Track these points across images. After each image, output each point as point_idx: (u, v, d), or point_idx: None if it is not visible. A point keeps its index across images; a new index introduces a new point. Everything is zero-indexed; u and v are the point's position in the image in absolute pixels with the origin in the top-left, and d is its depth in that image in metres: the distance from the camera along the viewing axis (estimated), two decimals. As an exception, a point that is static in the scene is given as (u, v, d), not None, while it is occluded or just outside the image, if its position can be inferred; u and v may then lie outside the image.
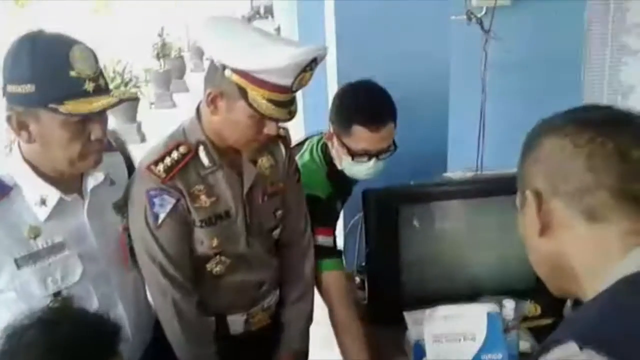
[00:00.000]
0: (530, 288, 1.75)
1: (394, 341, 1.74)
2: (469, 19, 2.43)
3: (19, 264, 1.23)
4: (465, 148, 2.46)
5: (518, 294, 1.66)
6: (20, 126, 1.22)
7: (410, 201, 1.72)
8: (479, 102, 2.60)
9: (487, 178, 1.97)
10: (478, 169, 2.37)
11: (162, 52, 11.18)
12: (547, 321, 1.73)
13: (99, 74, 1.24)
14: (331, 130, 1.76)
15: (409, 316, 1.67)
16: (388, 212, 1.68)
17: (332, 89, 2.70)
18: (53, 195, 1.28)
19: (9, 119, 1.22)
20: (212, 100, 1.33)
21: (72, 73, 1.19)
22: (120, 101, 1.26)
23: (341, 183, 1.82)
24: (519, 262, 1.73)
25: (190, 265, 1.45)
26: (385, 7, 2.11)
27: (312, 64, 1.26)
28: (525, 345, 1.65)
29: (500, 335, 1.51)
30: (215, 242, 1.43)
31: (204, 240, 1.43)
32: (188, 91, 12.28)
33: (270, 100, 1.27)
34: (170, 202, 1.36)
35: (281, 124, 1.42)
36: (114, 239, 1.40)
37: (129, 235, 1.42)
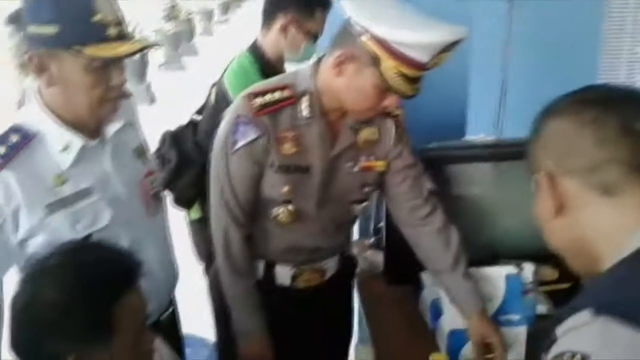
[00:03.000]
0: (548, 253, 1.75)
1: (411, 301, 1.76)
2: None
3: (50, 209, 1.22)
4: (484, 115, 2.44)
5: (536, 259, 1.66)
6: (41, 68, 1.20)
7: (431, 163, 1.71)
8: (500, 72, 2.57)
9: (509, 142, 1.95)
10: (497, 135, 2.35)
11: (172, 13, 11.05)
12: (564, 286, 1.74)
13: (121, 21, 1.23)
14: (288, 18, 1.93)
15: (426, 276, 1.68)
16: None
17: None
18: (76, 141, 1.26)
19: (30, 59, 1.20)
20: (340, 62, 1.30)
21: (96, 17, 1.17)
22: (143, 48, 1.25)
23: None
24: (539, 227, 1.77)
25: (252, 202, 1.45)
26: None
27: (453, 45, 1.23)
28: (542, 308, 1.66)
29: (518, 297, 1.52)
30: (285, 189, 1.42)
31: (275, 185, 1.42)
32: (197, 54, 12.18)
33: (400, 74, 1.24)
34: (251, 135, 1.36)
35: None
36: (137, 184, 1.40)
37: (152, 182, 1.44)
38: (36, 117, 1.25)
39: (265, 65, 1.99)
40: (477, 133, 2.12)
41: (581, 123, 0.76)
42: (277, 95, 1.37)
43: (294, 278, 1.57)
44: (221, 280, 1.52)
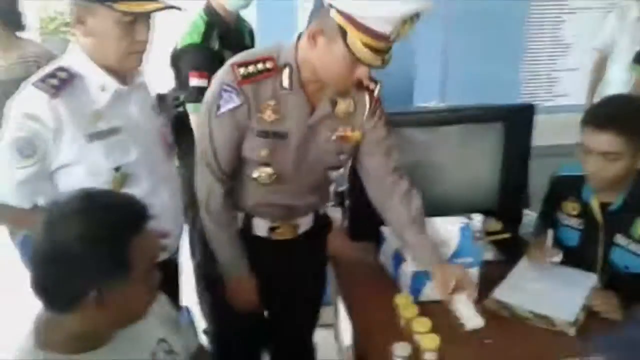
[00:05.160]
0: (492, 207, 1.98)
1: (372, 255, 1.93)
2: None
3: (89, 138, 1.42)
4: (429, 85, 2.64)
5: (482, 212, 1.87)
6: (79, 20, 1.41)
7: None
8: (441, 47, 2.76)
9: (457, 107, 2.14)
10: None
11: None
12: (506, 235, 1.97)
13: None
14: None
15: (386, 230, 1.85)
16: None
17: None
18: (112, 83, 1.46)
19: (71, 11, 1.42)
20: (312, 36, 1.39)
21: None
22: (166, 7, 1.42)
23: (230, 35, 2.34)
24: (483, 184, 1.97)
25: (233, 163, 1.56)
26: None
27: (413, 17, 1.29)
28: (488, 254, 1.88)
29: (470, 243, 1.71)
30: (264, 153, 1.53)
31: (255, 148, 1.53)
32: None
33: (366, 45, 1.31)
34: (234, 102, 1.47)
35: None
36: (157, 132, 1.62)
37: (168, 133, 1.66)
38: (78, 61, 1.45)
39: (217, 19, 2.32)
40: (424, 101, 2.31)
41: None
42: (260, 66, 1.47)
43: (270, 230, 1.69)
44: (205, 230, 1.64)
